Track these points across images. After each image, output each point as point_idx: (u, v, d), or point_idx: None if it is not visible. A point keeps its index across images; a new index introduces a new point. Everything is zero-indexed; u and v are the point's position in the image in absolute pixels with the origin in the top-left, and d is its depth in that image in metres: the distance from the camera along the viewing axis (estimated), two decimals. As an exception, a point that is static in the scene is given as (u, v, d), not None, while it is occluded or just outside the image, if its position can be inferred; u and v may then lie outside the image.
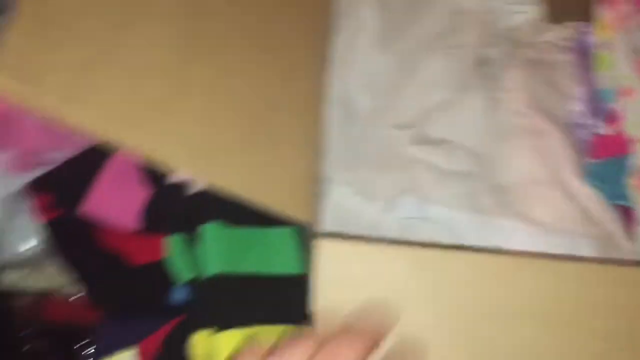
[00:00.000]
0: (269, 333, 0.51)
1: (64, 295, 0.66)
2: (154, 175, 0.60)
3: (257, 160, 0.48)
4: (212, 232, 0.53)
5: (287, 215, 0.49)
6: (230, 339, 0.50)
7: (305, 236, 0.54)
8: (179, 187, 0.56)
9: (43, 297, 0.64)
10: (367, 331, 0.37)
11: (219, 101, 0.47)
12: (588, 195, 0.52)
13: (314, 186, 0.49)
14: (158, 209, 0.60)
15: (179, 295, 0.58)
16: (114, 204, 0.60)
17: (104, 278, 0.59)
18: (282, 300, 0.53)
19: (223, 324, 0.50)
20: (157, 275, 0.59)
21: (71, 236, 0.60)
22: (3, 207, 0.61)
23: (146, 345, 0.56)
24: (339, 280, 0.43)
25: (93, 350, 0.59)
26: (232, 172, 0.47)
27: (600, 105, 0.56)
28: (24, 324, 0.62)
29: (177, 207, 0.56)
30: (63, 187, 0.60)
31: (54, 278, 0.65)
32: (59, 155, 0.60)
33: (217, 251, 0.52)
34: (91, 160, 0.60)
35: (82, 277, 0.60)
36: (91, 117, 0.41)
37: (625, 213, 0.53)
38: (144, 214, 0.60)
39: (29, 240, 0.63)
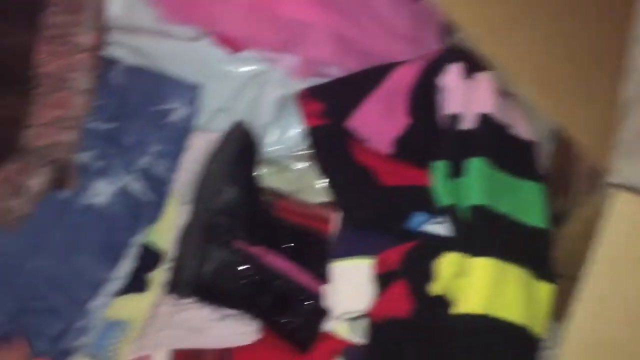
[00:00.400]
0: (514, 274, 0.53)
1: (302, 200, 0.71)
2: (418, 106, 0.63)
3: (581, 96, 0.51)
4: (478, 167, 0.56)
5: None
6: (482, 265, 0.52)
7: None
8: (449, 120, 0.59)
9: (284, 197, 0.70)
10: None
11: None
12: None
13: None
14: (413, 140, 0.63)
15: (417, 221, 0.62)
16: (377, 124, 0.64)
17: (354, 190, 0.63)
18: (529, 248, 0.56)
19: (476, 251, 0.53)
20: (403, 198, 0.63)
21: (331, 145, 0.65)
22: (275, 106, 0.67)
23: (385, 257, 0.60)
24: (629, 235, 0.45)
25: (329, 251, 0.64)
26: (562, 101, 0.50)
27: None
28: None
29: (441, 140, 0.60)
30: (335, 99, 0.64)
31: (299, 181, 0.71)
32: (339, 70, 0.65)
33: (482, 186, 0.55)
34: (368, 79, 0.64)
35: (334, 184, 0.65)
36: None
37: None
38: (399, 141, 0.63)
39: (290, 141, 0.68)
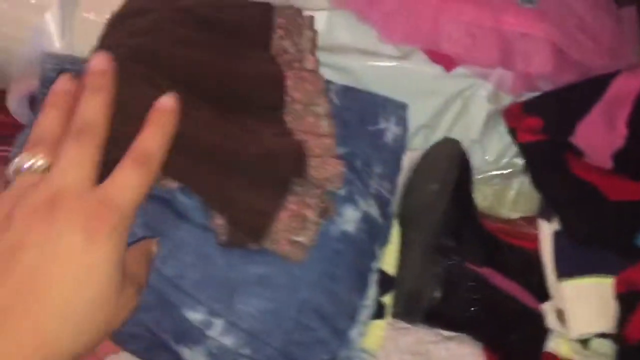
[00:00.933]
0: None
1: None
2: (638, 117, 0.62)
3: None
4: None
5: None
6: None
7: None
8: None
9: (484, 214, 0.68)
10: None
11: None
12: None
13: None
14: (633, 154, 0.62)
15: (644, 237, 0.61)
16: (598, 138, 0.62)
17: (577, 205, 0.62)
18: None
19: None
20: (630, 213, 0.61)
21: (550, 161, 0.63)
22: (482, 122, 0.66)
23: (628, 276, 0.58)
24: None
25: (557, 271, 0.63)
26: None
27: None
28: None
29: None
30: (554, 114, 0.63)
31: (494, 197, 0.70)
32: (551, 84, 0.64)
33: None
34: (585, 92, 0.63)
35: (555, 200, 0.63)
36: None
37: None
38: (619, 155, 0.62)
39: (501, 157, 0.67)
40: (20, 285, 0.31)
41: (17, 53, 0.63)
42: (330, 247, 0.53)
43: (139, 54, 0.50)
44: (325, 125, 0.54)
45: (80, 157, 0.34)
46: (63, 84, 0.39)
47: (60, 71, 0.56)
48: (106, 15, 0.59)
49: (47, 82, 0.56)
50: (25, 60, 0.62)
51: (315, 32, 0.59)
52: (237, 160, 0.47)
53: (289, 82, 0.54)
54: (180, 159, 0.44)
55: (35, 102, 0.67)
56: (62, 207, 0.32)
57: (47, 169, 0.35)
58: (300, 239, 0.47)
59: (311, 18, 0.59)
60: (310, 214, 0.48)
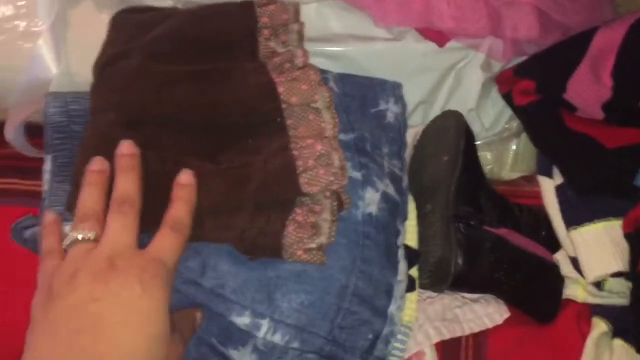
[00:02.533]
0: None
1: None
2: (626, 65, 0.65)
3: None
4: None
5: None
6: None
7: None
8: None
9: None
10: None
11: None
12: None
13: None
14: (621, 102, 0.65)
15: (643, 178, 0.65)
16: (587, 91, 0.66)
17: (578, 157, 0.65)
18: None
19: None
20: (628, 157, 0.65)
21: (547, 119, 0.66)
22: (477, 92, 0.68)
23: (635, 215, 0.62)
24: None
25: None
26: None
27: None
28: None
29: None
30: (545, 74, 0.66)
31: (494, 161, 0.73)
32: (538, 47, 0.67)
33: None
34: (570, 50, 0.66)
35: (556, 155, 0.67)
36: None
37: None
38: (608, 105, 0.65)
39: (497, 123, 0.70)
40: (86, 328, 0.38)
41: (11, 82, 0.62)
42: (358, 231, 0.55)
43: (131, 113, 0.52)
44: (327, 118, 0.55)
45: (125, 225, 0.43)
46: (98, 164, 0.47)
47: (66, 113, 0.56)
48: (98, 32, 0.59)
49: (53, 126, 0.57)
50: (22, 88, 0.62)
51: (301, 23, 0.59)
52: (240, 202, 0.49)
53: (282, 89, 0.54)
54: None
55: (32, 130, 0.66)
56: (119, 265, 0.40)
57: (96, 239, 0.43)
58: (314, 245, 0.49)
59: (296, 8, 0.60)
60: (319, 218, 0.50)
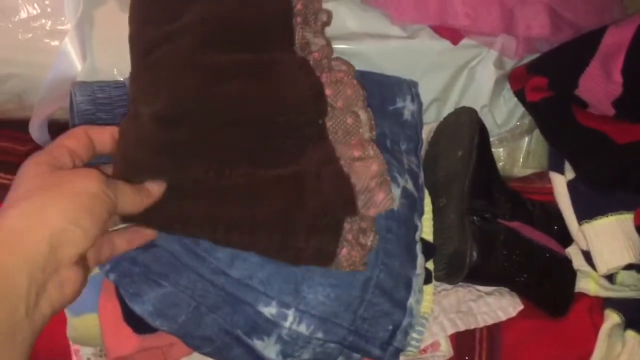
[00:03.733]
0: None
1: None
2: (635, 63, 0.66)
3: None
4: None
5: None
6: None
7: None
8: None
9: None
10: None
11: None
12: None
13: None
14: (632, 99, 0.67)
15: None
16: (598, 88, 0.67)
17: (590, 152, 0.67)
18: None
19: None
20: (638, 153, 0.66)
21: (559, 115, 0.68)
22: (490, 89, 0.70)
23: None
24: None
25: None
26: None
27: None
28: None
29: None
30: (557, 71, 0.67)
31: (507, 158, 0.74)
32: (550, 45, 0.68)
33: None
34: (582, 47, 0.67)
35: (569, 151, 0.68)
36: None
37: None
38: (619, 102, 0.67)
39: (510, 119, 0.71)
40: None
41: (37, 79, 0.64)
42: (381, 226, 0.56)
43: (178, 106, 0.50)
44: (364, 120, 0.54)
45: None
46: None
47: (93, 101, 0.58)
48: (121, 31, 0.61)
49: (80, 114, 0.58)
50: (48, 84, 0.63)
51: (329, 12, 0.59)
52: (295, 224, 0.48)
53: (329, 92, 0.53)
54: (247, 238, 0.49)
55: (55, 128, 0.68)
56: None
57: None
58: (364, 261, 0.50)
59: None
60: (366, 239, 0.51)
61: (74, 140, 0.45)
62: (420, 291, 0.59)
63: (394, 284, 0.56)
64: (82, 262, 0.41)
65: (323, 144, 0.51)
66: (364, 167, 0.50)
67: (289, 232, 0.48)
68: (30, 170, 0.42)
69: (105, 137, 0.48)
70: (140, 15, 0.56)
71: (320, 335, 0.54)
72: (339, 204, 0.48)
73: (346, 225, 0.49)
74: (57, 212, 0.39)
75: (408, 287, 0.57)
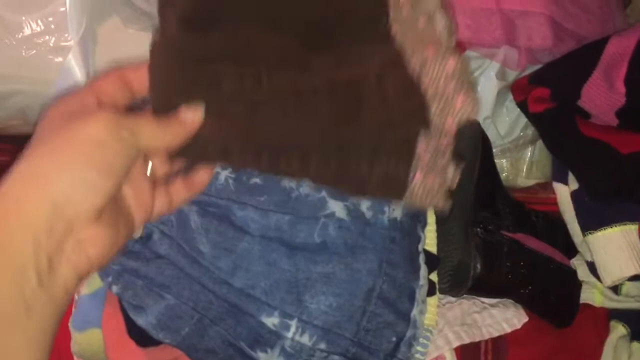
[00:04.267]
0: None
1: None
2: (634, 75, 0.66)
3: None
4: None
5: None
6: None
7: None
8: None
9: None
10: None
11: None
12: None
13: None
14: (634, 109, 0.67)
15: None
16: (601, 98, 0.67)
17: (594, 163, 0.66)
18: None
19: None
20: (641, 163, 0.66)
21: (562, 126, 0.67)
22: (493, 100, 0.70)
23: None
24: None
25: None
26: None
27: None
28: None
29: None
30: (559, 82, 0.67)
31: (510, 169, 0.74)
32: (552, 56, 0.68)
33: None
34: (584, 58, 0.67)
35: (573, 162, 0.68)
36: None
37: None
38: (621, 111, 0.67)
39: (513, 130, 0.71)
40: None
41: (41, 95, 0.65)
42: (385, 236, 0.56)
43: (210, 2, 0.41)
44: (440, 23, 0.43)
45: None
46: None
47: None
48: (124, 46, 0.61)
49: None
50: (52, 101, 0.64)
51: None
52: (355, 137, 0.39)
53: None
54: (299, 158, 0.40)
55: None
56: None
57: None
58: (442, 193, 0.42)
59: None
60: (448, 159, 0.42)
61: (104, 80, 0.38)
62: (424, 302, 0.58)
63: (397, 294, 0.56)
64: (110, 219, 0.36)
65: (386, 46, 0.41)
66: (438, 66, 0.40)
67: (347, 155, 0.39)
68: (46, 118, 0.37)
69: (144, 73, 0.39)
70: None
71: (323, 346, 0.54)
72: (407, 115, 0.39)
73: (420, 145, 0.40)
74: (56, 169, 0.33)
75: (411, 298, 0.57)
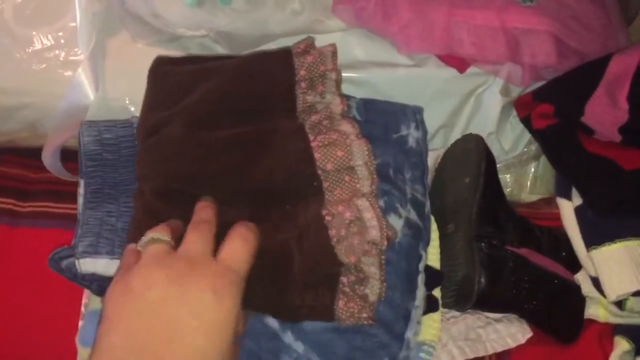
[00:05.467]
0: None
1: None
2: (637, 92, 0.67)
3: None
4: None
5: None
6: None
7: None
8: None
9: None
10: None
11: None
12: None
13: None
14: (636, 128, 0.67)
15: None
16: (604, 115, 0.68)
17: (598, 179, 0.67)
18: None
19: None
20: (646, 179, 0.66)
21: (566, 142, 0.68)
22: (496, 116, 0.70)
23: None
24: None
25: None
26: None
27: None
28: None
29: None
30: (563, 99, 0.68)
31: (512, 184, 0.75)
32: (555, 73, 0.69)
33: None
34: (587, 75, 0.68)
35: (576, 178, 0.68)
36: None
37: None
38: (625, 128, 0.67)
39: (516, 146, 0.72)
40: (160, 329, 0.38)
41: (51, 109, 0.65)
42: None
43: (175, 182, 0.54)
44: (364, 175, 0.54)
45: (203, 237, 0.44)
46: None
47: (99, 142, 0.59)
48: (133, 61, 0.62)
49: (87, 154, 0.60)
50: (61, 113, 0.64)
51: (339, 71, 0.59)
52: (288, 285, 0.50)
53: (318, 155, 0.54)
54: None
55: (67, 155, 0.69)
56: (195, 268, 0.41)
57: (170, 244, 0.44)
58: (364, 314, 0.50)
59: (333, 53, 0.59)
60: (366, 287, 0.50)
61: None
62: (419, 323, 0.58)
63: (393, 315, 0.56)
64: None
65: (315, 205, 0.52)
66: (339, 219, 0.50)
67: (282, 291, 0.50)
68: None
69: None
70: (146, 103, 0.59)
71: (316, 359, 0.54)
72: (321, 258, 0.49)
73: (343, 279, 0.50)
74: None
75: (407, 319, 0.57)
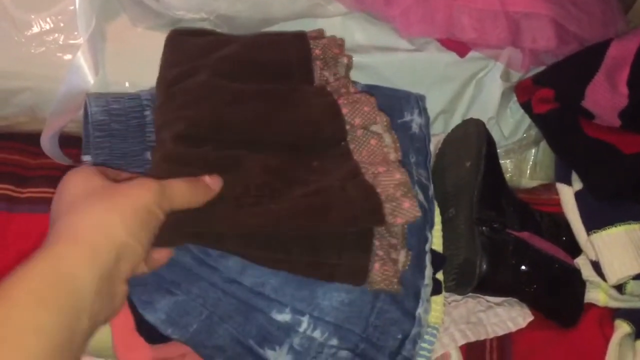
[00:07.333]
0: None
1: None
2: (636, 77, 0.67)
3: None
4: None
5: None
6: None
7: None
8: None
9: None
10: None
11: None
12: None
13: None
14: (635, 113, 0.68)
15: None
16: (604, 100, 0.68)
17: (598, 163, 0.67)
18: None
19: None
20: (645, 163, 0.67)
21: (566, 126, 0.68)
22: (497, 101, 0.70)
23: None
24: None
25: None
26: None
27: None
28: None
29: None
30: (563, 83, 0.68)
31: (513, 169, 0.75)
32: (555, 58, 0.69)
33: None
34: (587, 59, 0.68)
35: (576, 162, 0.68)
36: None
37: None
38: (624, 113, 0.68)
39: (516, 131, 0.72)
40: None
41: (49, 93, 0.65)
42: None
43: (200, 127, 0.52)
44: (389, 142, 0.55)
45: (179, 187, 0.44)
46: None
47: (107, 112, 0.58)
48: (133, 44, 0.61)
49: (95, 124, 0.58)
50: (60, 98, 0.64)
51: (350, 57, 0.61)
52: (324, 230, 0.48)
53: (345, 110, 0.55)
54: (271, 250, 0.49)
55: (66, 140, 0.68)
56: (125, 190, 0.42)
57: None
58: (396, 279, 0.50)
59: (343, 42, 0.62)
60: (397, 254, 0.51)
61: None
62: (428, 301, 0.59)
63: (404, 293, 0.56)
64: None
65: (347, 162, 0.52)
66: (388, 177, 0.50)
67: (320, 248, 0.48)
68: (81, 178, 0.41)
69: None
70: (165, 61, 0.59)
71: (334, 342, 0.54)
72: (367, 213, 0.48)
73: (376, 242, 0.50)
74: (122, 226, 0.38)
75: (417, 297, 0.57)
